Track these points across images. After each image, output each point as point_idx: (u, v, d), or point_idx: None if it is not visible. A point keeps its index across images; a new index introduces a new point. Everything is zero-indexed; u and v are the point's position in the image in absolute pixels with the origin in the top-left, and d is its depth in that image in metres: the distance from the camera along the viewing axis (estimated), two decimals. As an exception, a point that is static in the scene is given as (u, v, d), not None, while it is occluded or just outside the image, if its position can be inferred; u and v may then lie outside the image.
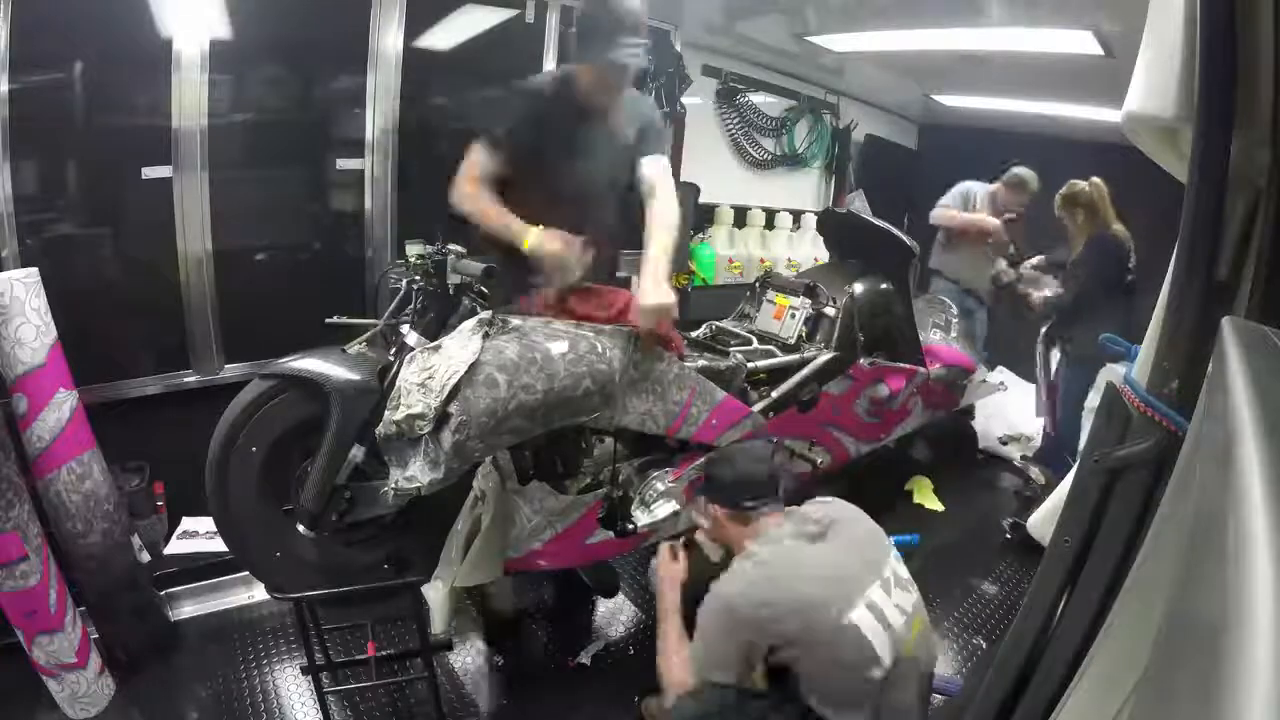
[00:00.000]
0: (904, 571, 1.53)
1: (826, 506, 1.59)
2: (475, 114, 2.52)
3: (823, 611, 1.34)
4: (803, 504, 1.62)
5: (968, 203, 3.80)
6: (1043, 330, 3.33)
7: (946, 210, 3.79)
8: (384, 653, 1.93)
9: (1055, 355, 3.31)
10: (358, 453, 1.64)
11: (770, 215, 4.35)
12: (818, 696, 1.36)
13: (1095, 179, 3.04)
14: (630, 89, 1.96)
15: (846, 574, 1.42)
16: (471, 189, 1.81)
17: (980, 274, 3.77)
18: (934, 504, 3.34)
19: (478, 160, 1.83)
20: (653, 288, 1.74)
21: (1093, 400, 2.69)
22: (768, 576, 1.42)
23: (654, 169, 1.91)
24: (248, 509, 1.66)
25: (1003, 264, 3.63)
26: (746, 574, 1.43)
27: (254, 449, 1.63)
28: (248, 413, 1.62)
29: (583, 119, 1.87)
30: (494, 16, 2.85)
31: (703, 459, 2.00)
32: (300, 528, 1.67)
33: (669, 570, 1.71)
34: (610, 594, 2.41)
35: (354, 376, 1.61)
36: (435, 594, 1.78)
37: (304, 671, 1.84)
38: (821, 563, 1.44)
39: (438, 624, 1.80)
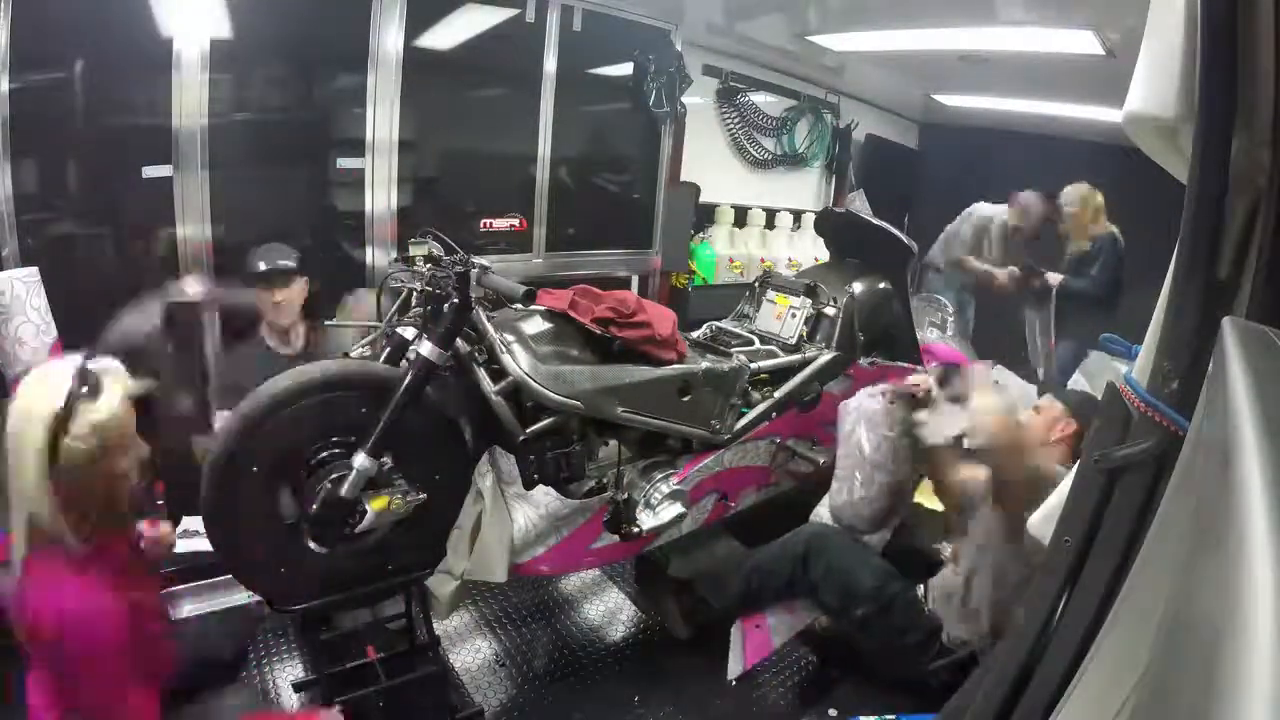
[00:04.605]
0: None
1: None
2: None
3: None
4: None
5: (981, 239, 3.96)
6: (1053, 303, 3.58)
7: (967, 260, 4.00)
8: (383, 654, 1.92)
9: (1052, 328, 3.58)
10: (366, 462, 1.52)
11: (770, 215, 4.36)
12: None
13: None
14: None
15: None
16: None
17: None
18: (933, 502, 3.33)
19: None
20: None
21: (1078, 380, 2.83)
22: None
23: None
24: (248, 522, 1.54)
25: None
26: None
27: (254, 464, 1.50)
28: (249, 425, 1.49)
29: None
30: (494, 16, 2.85)
31: None
32: (311, 544, 1.57)
33: None
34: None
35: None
36: (442, 586, 1.79)
37: (304, 687, 1.82)
38: None
39: (443, 614, 1.81)
